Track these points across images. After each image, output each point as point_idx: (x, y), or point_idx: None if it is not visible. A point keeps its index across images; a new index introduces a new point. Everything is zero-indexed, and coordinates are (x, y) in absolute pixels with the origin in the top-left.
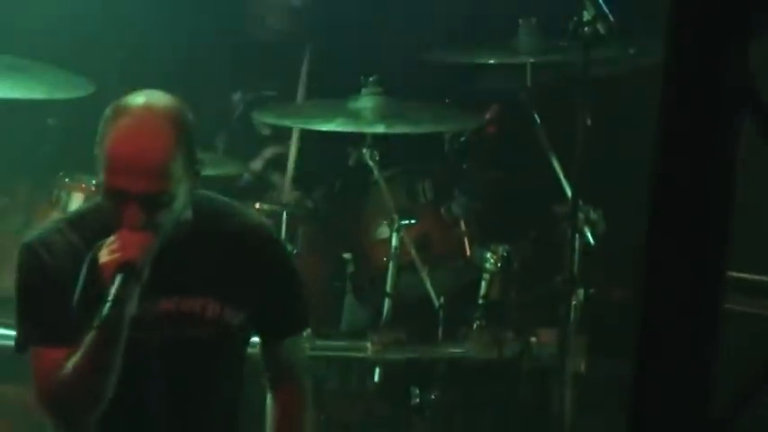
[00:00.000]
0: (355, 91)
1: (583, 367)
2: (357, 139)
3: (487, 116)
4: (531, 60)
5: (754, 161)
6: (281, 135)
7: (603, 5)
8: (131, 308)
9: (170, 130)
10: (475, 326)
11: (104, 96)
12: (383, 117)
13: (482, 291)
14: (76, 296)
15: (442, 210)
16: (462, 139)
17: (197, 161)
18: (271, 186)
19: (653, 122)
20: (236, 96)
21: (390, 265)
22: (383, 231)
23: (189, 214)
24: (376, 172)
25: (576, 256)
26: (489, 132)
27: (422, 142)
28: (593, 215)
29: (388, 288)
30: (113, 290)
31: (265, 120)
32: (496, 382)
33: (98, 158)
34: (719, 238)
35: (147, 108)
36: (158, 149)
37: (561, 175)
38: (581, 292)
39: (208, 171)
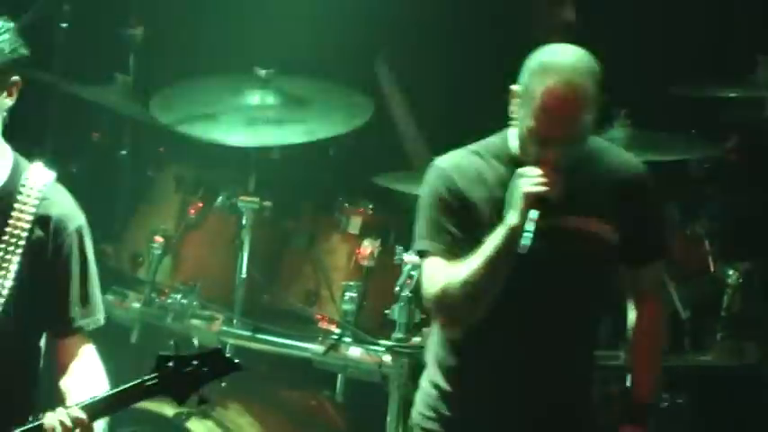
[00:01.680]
0: (607, 122)
1: None
2: None
3: (729, 145)
4: None
5: None
6: None
7: None
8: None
9: (590, 85)
10: (719, 336)
11: (378, 125)
12: (633, 147)
13: (725, 304)
14: (487, 212)
15: (688, 230)
16: (706, 165)
17: (599, 104)
18: None
19: None
20: None
21: None
22: None
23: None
24: None
25: None
26: (731, 159)
27: (669, 169)
28: None
29: None
30: (533, 222)
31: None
32: (738, 387)
33: (523, 105)
34: None
35: (573, 66)
36: (582, 104)
37: None
38: None
39: None
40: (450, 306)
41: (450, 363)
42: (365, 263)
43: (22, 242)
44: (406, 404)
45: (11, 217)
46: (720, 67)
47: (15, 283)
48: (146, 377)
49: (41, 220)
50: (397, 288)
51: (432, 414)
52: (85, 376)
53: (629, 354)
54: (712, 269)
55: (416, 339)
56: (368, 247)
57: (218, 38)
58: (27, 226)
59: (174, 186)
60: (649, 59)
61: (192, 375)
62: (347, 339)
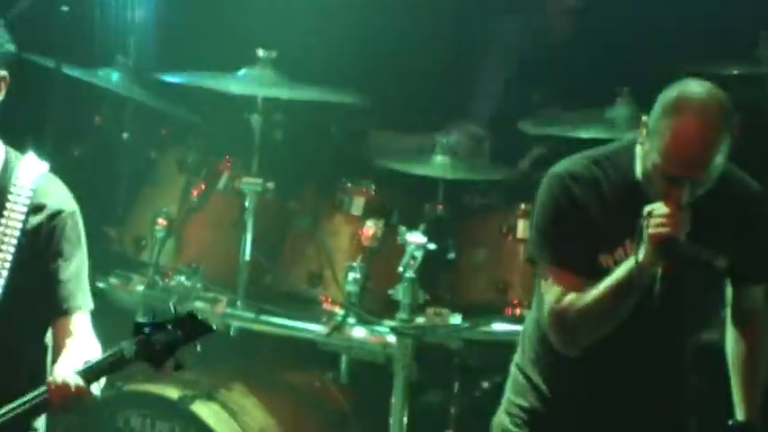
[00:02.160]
0: (610, 100)
1: None
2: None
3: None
4: None
5: None
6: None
7: None
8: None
9: (721, 127)
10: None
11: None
12: (635, 124)
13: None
14: (602, 225)
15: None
16: None
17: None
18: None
19: None
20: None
21: None
22: None
23: None
24: None
25: None
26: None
27: None
28: None
29: None
30: (660, 267)
31: (527, 129)
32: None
33: (651, 139)
34: None
35: (706, 108)
36: (712, 147)
37: None
38: None
39: (477, 176)
40: (569, 328)
41: (546, 361)
42: (368, 243)
43: (17, 233)
44: (411, 385)
45: (5, 208)
46: (723, 44)
47: (12, 272)
48: (123, 345)
49: (36, 209)
50: (401, 268)
51: (521, 401)
52: (80, 353)
53: (733, 372)
54: None
55: (420, 320)
56: (371, 227)
57: (217, 21)
58: (21, 217)
59: (176, 168)
60: (652, 37)
61: (167, 341)
62: (351, 320)
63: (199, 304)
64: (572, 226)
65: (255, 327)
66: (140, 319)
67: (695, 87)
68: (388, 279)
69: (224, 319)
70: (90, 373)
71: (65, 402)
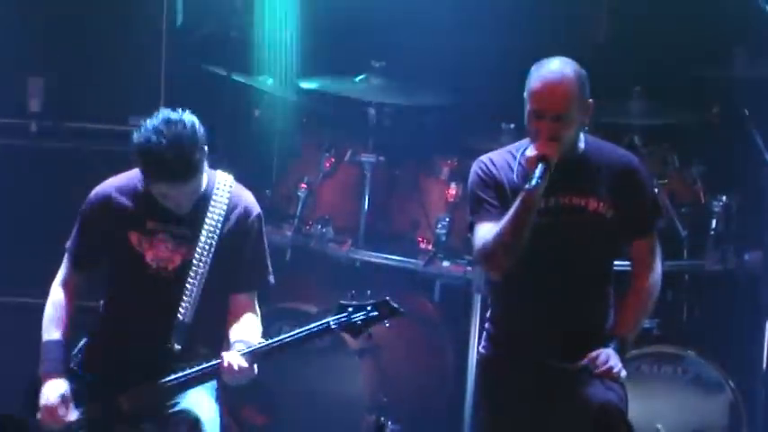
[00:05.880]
0: (625, 96)
1: None
2: (629, 128)
3: (713, 112)
4: (743, 76)
5: None
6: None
7: None
8: (542, 188)
9: (572, 76)
10: (707, 248)
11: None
12: (648, 114)
13: (712, 225)
14: (508, 184)
15: (685, 173)
16: (697, 126)
17: (588, 106)
18: None
19: None
20: None
21: None
22: None
23: (582, 146)
24: (641, 149)
25: None
26: (714, 122)
27: (671, 129)
28: None
29: None
30: (537, 171)
31: None
32: (720, 284)
33: (525, 98)
34: None
35: (558, 61)
36: (563, 86)
37: (762, 147)
38: None
39: None
40: (491, 251)
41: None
42: (452, 200)
43: (219, 228)
44: (484, 300)
45: (211, 210)
46: (703, 56)
47: (215, 257)
48: (330, 319)
49: (231, 212)
50: None
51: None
52: (247, 325)
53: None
54: (703, 201)
55: None
56: (454, 188)
57: (342, 38)
58: (222, 216)
59: (314, 146)
60: (659, 51)
61: (366, 318)
62: (440, 255)
63: (330, 245)
64: (490, 189)
65: (372, 260)
66: (343, 301)
67: (554, 59)
68: (466, 225)
69: (349, 254)
70: (256, 356)
71: (231, 378)
